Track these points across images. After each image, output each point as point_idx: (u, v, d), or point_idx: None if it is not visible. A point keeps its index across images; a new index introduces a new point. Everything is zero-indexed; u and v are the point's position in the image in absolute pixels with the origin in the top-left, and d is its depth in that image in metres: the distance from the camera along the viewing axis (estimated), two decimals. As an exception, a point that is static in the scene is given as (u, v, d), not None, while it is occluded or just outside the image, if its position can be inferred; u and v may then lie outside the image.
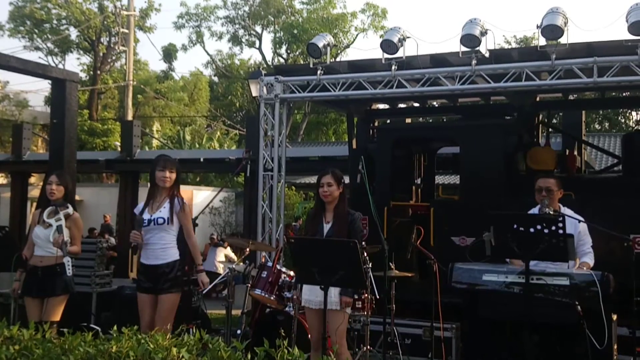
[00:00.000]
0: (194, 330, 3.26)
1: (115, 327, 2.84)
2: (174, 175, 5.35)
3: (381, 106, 11.04)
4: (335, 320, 5.05)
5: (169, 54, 36.68)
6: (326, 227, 5.20)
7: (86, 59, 34.01)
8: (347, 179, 9.50)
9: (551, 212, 5.00)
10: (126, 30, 24.29)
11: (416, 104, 10.61)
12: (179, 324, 3.25)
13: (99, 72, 31.21)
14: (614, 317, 4.99)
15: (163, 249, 5.25)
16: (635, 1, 6.99)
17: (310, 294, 5.04)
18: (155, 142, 29.60)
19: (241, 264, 8.96)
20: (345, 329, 5.26)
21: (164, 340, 2.52)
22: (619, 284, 5.07)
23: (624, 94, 10.57)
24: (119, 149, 17.41)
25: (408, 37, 7.83)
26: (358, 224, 5.22)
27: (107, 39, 31.20)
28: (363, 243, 5.40)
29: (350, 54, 33.95)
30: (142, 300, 5.28)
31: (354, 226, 5.17)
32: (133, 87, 24.99)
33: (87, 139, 27.09)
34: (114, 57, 32.34)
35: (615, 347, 5.03)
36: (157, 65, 68.57)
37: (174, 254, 5.28)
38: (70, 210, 5.59)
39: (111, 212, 19.16)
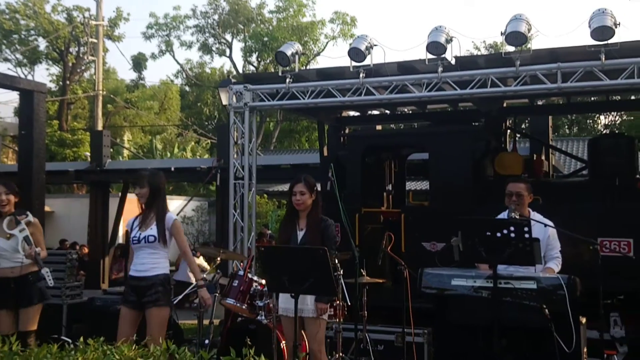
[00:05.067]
0: (163, 341, 3.24)
1: (81, 339, 2.82)
2: (144, 191, 5.26)
3: (352, 113, 11.10)
4: (312, 328, 5.07)
5: (138, 63, 36.45)
6: (300, 234, 5.20)
7: (55, 70, 33.71)
8: (319, 187, 9.55)
9: (517, 217, 5.07)
10: (95, 40, 24.06)
11: (387, 111, 10.70)
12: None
13: (68, 82, 30.86)
14: (583, 320, 5.06)
15: (153, 263, 5.19)
16: (597, 7, 7.16)
17: (287, 303, 5.02)
18: (126, 152, 29.32)
19: (213, 273, 8.93)
20: (324, 336, 5.26)
21: (130, 351, 2.51)
22: (588, 287, 5.15)
23: (592, 99, 10.76)
24: (89, 159, 17.23)
25: (375, 45, 7.90)
26: (331, 230, 5.24)
27: (76, 49, 30.86)
28: (334, 252, 5.42)
29: (321, 62, 34.15)
30: (124, 314, 5.18)
31: (327, 233, 5.19)
32: (103, 96, 24.73)
33: (57, 149, 26.76)
34: (83, 67, 32.00)
35: (585, 350, 5.10)
36: (126, 74, 67.98)
37: (164, 267, 5.23)
38: (30, 217, 5.55)
39: (82, 223, 18.93)
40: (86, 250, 15.43)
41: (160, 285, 5.13)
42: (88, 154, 19.89)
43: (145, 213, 5.32)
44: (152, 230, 5.20)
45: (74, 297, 7.91)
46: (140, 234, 5.21)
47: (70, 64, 31.16)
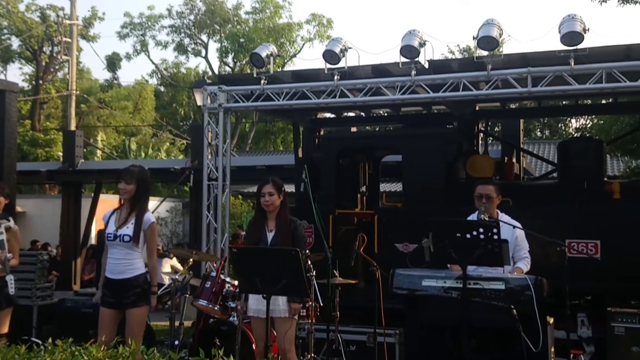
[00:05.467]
0: (132, 342, 3.24)
1: (49, 340, 2.81)
2: (129, 187, 5.21)
3: (327, 115, 11.14)
4: (283, 328, 5.10)
5: (112, 63, 36.10)
6: (270, 236, 5.22)
7: (28, 69, 33.24)
8: (293, 188, 9.57)
9: (487, 219, 5.14)
10: (69, 40, 23.79)
11: (362, 113, 10.77)
12: (122, 336, 3.23)
13: (41, 81, 30.46)
14: (551, 320, 5.15)
15: (129, 263, 5.15)
16: (567, 13, 7.29)
17: (259, 304, 5.03)
18: (99, 153, 29.03)
19: (185, 274, 8.91)
20: (294, 336, 5.29)
21: (98, 352, 2.51)
22: (555, 288, 5.24)
23: (562, 103, 10.95)
24: (62, 159, 17.04)
25: (350, 48, 7.95)
26: (301, 231, 5.27)
27: (50, 48, 30.49)
28: (307, 251, 5.46)
29: (297, 64, 34.15)
30: (103, 315, 5.14)
31: (297, 233, 5.22)
32: (76, 96, 24.47)
33: (29, 149, 26.39)
34: (56, 67, 31.62)
35: (552, 349, 5.19)
36: (100, 74, 67.33)
37: (140, 267, 5.19)
38: (11, 223, 5.48)
39: (54, 224, 18.71)
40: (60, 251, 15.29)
41: (138, 287, 5.11)
42: (60, 154, 19.65)
43: (124, 209, 5.27)
44: (129, 229, 5.15)
45: (45, 298, 7.84)
46: (116, 231, 5.16)
47: (43, 63, 30.77)
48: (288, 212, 5.30)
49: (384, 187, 14.89)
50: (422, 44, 7.55)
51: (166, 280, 12.73)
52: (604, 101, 10.93)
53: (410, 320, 5.33)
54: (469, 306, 4.64)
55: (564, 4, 57.40)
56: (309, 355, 5.72)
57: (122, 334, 4.58)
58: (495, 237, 4.55)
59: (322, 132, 10.37)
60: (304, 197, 8.78)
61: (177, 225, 22.04)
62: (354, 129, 11.39)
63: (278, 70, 9.14)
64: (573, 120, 29.22)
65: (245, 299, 5.33)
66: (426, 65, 7.84)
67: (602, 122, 18.16)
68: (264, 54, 8.34)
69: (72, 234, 14.74)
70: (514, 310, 4.67)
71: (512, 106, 10.17)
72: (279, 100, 8.50)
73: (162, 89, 38.26)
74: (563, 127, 29.71)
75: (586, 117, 26.85)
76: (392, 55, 7.77)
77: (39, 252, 8.81)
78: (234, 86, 8.87)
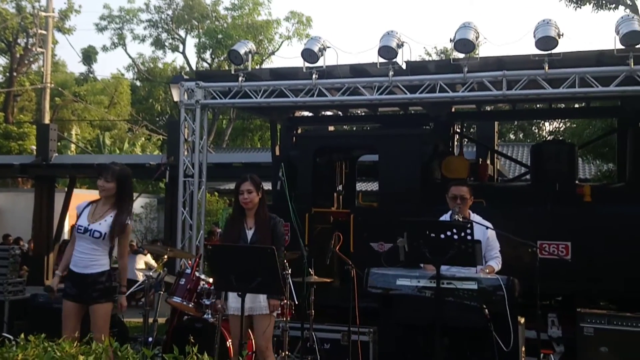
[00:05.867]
0: (106, 338, 3.23)
1: (22, 336, 2.79)
2: (109, 185, 5.16)
3: (304, 113, 11.15)
4: (262, 325, 5.11)
5: (88, 56, 35.67)
6: (249, 233, 5.22)
7: (2, 60, 32.71)
8: (270, 186, 9.56)
9: (460, 219, 5.21)
10: (44, 32, 23.47)
11: (339, 112, 10.80)
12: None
13: (15, 73, 29.99)
14: (522, 320, 5.24)
15: (94, 259, 5.10)
16: (543, 18, 7.40)
17: (239, 302, 4.98)
18: (73, 147, 28.69)
19: (160, 271, 8.87)
20: (272, 333, 5.30)
21: (71, 348, 2.50)
22: (527, 288, 5.33)
23: (537, 106, 11.10)
24: (35, 153, 16.83)
25: (328, 47, 7.98)
26: (280, 228, 5.29)
27: (25, 40, 30.04)
28: (283, 249, 5.46)
29: (275, 62, 34.10)
30: (67, 308, 5.10)
31: (276, 231, 5.23)
32: (51, 89, 24.15)
33: (2, 142, 26.03)
34: (31, 59, 31.14)
35: (523, 349, 5.27)
36: (76, 67, 66.45)
37: (104, 264, 5.14)
38: None
39: (27, 218, 18.49)
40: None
41: (102, 283, 5.08)
42: (34, 147, 19.42)
43: (100, 205, 5.23)
44: (102, 226, 5.11)
45: (17, 293, 7.75)
46: (88, 224, 5.12)
47: (18, 55, 30.27)
48: (267, 209, 5.30)
49: (360, 186, 14.96)
50: (400, 45, 7.60)
51: (140, 276, 12.68)
52: (576, 105, 11.08)
53: (385, 319, 5.39)
54: (442, 305, 4.70)
55: (540, 8, 58.11)
56: (283, 353, 5.73)
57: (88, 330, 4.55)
58: (469, 237, 4.62)
59: (299, 131, 10.38)
60: (281, 195, 8.80)
61: (152, 222, 21.90)
62: (331, 128, 11.43)
63: (256, 67, 9.14)
64: (546, 124, 29.59)
65: (225, 297, 5.33)
66: (404, 66, 7.90)
67: (574, 125, 18.42)
68: (242, 51, 8.32)
69: (44, 228, 14.58)
70: (486, 310, 4.75)
71: (488, 108, 10.29)
72: (256, 98, 8.50)
73: (139, 83, 37.91)
74: (537, 130, 30.06)
75: (559, 120, 27.19)
76: (370, 56, 7.82)
77: (11, 247, 8.69)
78: (211, 82, 8.85)
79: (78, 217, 5.23)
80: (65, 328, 4.96)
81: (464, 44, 7.29)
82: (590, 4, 18.37)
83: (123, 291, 5.26)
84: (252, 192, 5.19)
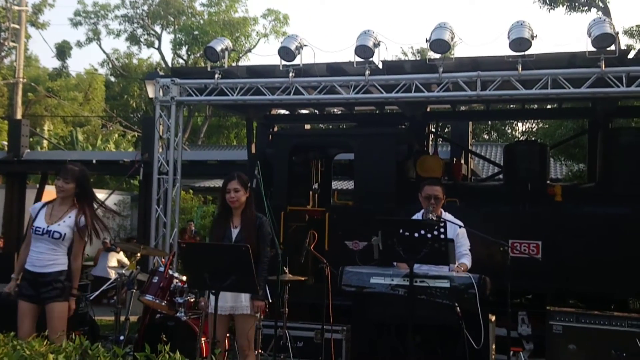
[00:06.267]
0: (76, 337, 3.20)
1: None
2: (68, 186, 5.11)
3: (281, 111, 11.14)
4: (245, 325, 5.10)
5: (62, 51, 35.15)
6: (234, 232, 5.19)
7: (-26, 55, 32.05)
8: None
9: (434, 218, 5.25)
10: (17, 26, 23.11)
11: (316, 111, 10.81)
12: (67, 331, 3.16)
13: (-14, 68, 29.53)
14: (492, 318, 5.29)
15: (53, 259, 5.04)
16: (517, 19, 7.49)
17: (222, 300, 4.95)
18: (46, 143, 28.28)
19: (132, 269, 8.81)
20: (254, 333, 5.29)
21: (41, 347, 2.47)
22: (498, 286, 5.39)
23: (510, 107, 11.23)
24: (6, 149, 16.56)
25: (305, 45, 7.98)
26: (266, 227, 5.26)
27: (-3, 34, 29.55)
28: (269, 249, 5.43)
29: (252, 59, 33.98)
30: (22, 308, 5.03)
31: (262, 230, 5.20)
32: (23, 84, 23.79)
33: (-28, 138, 25.58)
34: (3, 54, 30.63)
35: (494, 347, 5.33)
36: (50, 62, 65.53)
37: (63, 263, 5.08)
38: None
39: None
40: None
41: (59, 282, 5.02)
42: (5, 143, 19.13)
43: (57, 205, 5.16)
44: (61, 227, 5.06)
45: (-15, 291, 7.61)
46: (47, 226, 5.05)
47: (-11, 49, 29.80)
48: (254, 208, 5.28)
49: (336, 184, 14.98)
50: (377, 45, 7.64)
51: (112, 274, 12.56)
52: (549, 106, 11.24)
53: (358, 317, 5.41)
54: (414, 303, 4.73)
55: (515, 9, 58.71)
56: (257, 351, 5.72)
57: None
58: (442, 236, 4.66)
59: (275, 129, 10.37)
60: (256, 193, 8.76)
61: (125, 219, 21.70)
62: (307, 127, 11.44)
63: (232, 64, 9.10)
64: (519, 124, 29.94)
65: (208, 295, 5.30)
66: (380, 66, 7.94)
67: (547, 126, 18.67)
68: (218, 48, 8.29)
69: (15, 225, 14.37)
70: (458, 308, 4.80)
71: (462, 108, 10.37)
72: (232, 95, 8.48)
73: (113, 79, 37.49)
74: (510, 131, 30.39)
75: (532, 121, 27.56)
76: (347, 55, 7.85)
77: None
78: (187, 79, 8.80)
79: (33, 219, 5.15)
80: (21, 328, 4.89)
81: (440, 44, 7.35)
82: (563, 5, 18.64)
83: (74, 294, 5.19)
84: (239, 190, 5.16)
